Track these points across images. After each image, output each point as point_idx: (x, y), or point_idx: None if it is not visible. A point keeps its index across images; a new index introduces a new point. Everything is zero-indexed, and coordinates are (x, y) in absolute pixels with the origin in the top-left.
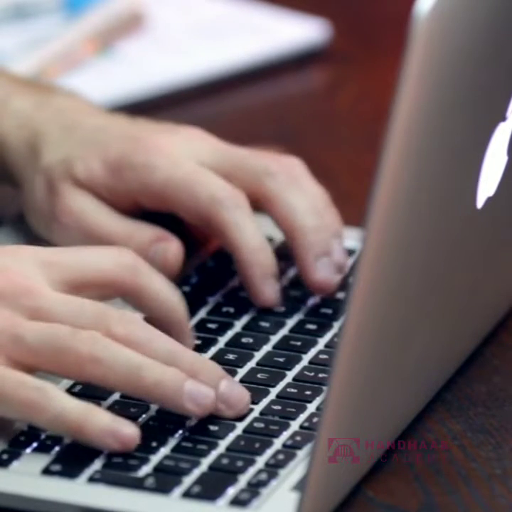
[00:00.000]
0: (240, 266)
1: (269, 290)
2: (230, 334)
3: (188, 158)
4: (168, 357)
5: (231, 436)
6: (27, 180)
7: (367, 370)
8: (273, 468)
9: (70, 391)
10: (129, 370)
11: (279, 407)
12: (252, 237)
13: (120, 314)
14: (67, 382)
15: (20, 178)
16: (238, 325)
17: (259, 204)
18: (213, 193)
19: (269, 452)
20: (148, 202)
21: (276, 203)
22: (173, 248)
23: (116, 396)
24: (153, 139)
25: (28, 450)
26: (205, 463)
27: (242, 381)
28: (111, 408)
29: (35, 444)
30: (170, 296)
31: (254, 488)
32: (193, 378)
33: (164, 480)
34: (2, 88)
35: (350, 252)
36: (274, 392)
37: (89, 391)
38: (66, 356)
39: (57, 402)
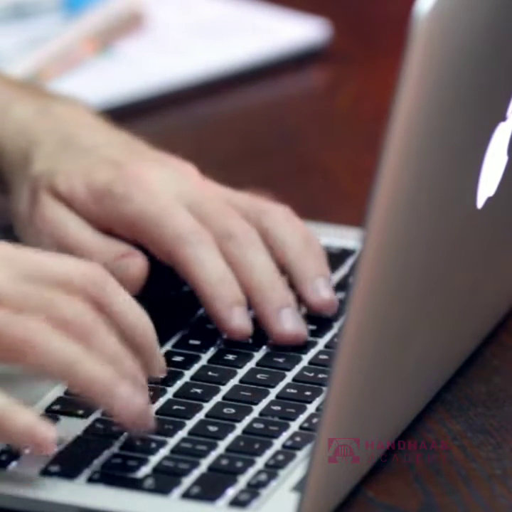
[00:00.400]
0: (202, 301)
1: (236, 318)
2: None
3: (167, 194)
4: (108, 353)
5: (230, 437)
6: (15, 187)
7: (367, 370)
8: (273, 468)
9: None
10: (63, 359)
11: (278, 408)
12: (212, 271)
13: (67, 298)
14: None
15: (10, 184)
16: None
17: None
18: (178, 229)
19: (268, 453)
20: (120, 231)
21: (238, 268)
22: (135, 263)
23: None
24: (137, 169)
25: (27, 450)
26: (205, 464)
27: (241, 381)
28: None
29: None
30: (136, 319)
31: (254, 488)
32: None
33: (163, 481)
34: (3, 94)
35: (349, 252)
36: (273, 392)
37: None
38: (2, 339)
39: None
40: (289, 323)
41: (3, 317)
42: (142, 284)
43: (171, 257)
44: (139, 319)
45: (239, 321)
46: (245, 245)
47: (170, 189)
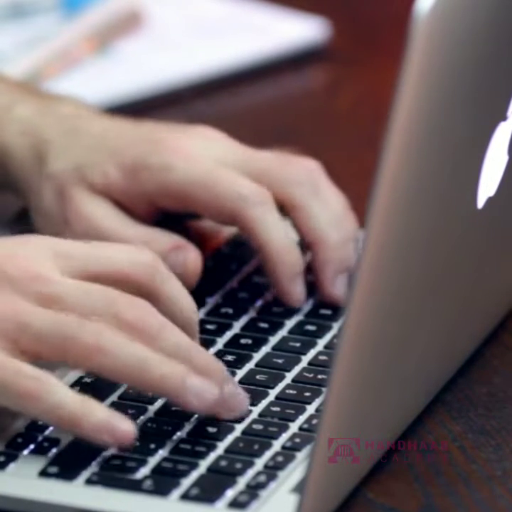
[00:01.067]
0: (267, 264)
1: (296, 290)
2: (228, 335)
3: (208, 158)
4: (176, 350)
5: (230, 438)
6: (33, 188)
7: (366, 371)
8: (272, 470)
9: (72, 387)
10: (134, 362)
11: (278, 409)
12: (280, 236)
13: (130, 300)
14: (71, 377)
15: (25, 186)
16: (237, 326)
17: (282, 211)
18: (238, 190)
19: (268, 454)
20: (166, 203)
21: (302, 213)
22: (192, 257)
23: (114, 397)
24: (170, 140)
25: (25, 452)
26: (204, 465)
27: (240, 382)
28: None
29: (32, 446)
30: (186, 304)
31: (253, 490)
32: (199, 375)
33: (162, 482)
34: (5, 95)
35: None
36: (273, 393)
37: (88, 391)
38: (72, 346)
39: (55, 393)
40: (341, 290)
41: (73, 323)
42: (199, 277)
43: (232, 218)
44: (188, 307)
45: (299, 291)
46: (309, 193)
47: (209, 154)
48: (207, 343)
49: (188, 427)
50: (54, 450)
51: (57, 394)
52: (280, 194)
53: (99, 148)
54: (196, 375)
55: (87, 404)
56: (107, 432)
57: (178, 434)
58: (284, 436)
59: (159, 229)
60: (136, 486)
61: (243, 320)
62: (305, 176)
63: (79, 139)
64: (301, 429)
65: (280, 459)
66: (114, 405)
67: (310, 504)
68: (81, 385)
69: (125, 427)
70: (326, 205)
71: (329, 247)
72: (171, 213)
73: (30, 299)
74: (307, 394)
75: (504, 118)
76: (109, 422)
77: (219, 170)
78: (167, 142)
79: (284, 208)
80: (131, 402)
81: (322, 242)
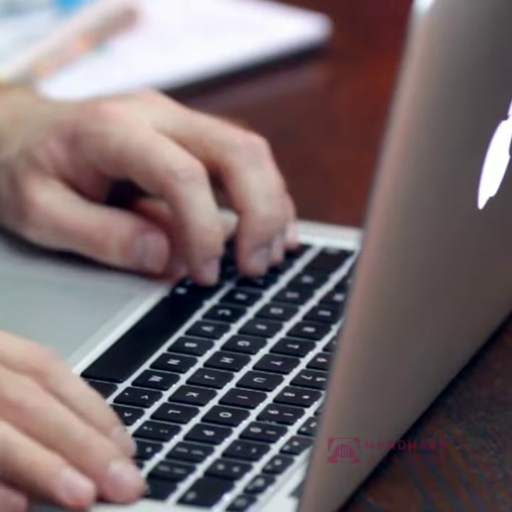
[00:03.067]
0: (183, 243)
1: (208, 272)
2: (226, 337)
3: (146, 124)
4: (57, 430)
5: (227, 442)
6: None
7: (366, 372)
8: (270, 474)
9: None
10: (2, 446)
11: (276, 412)
12: (201, 215)
13: (15, 379)
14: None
15: None
16: (234, 328)
17: (215, 175)
18: (168, 164)
19: (265, 458)
20: (107, 170)
21: (234, 178)
22: (161, 238)
23: (109, 400)
24: (108, 107)
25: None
26: (201, 469)
27: (238, 385)
28: None
29: None
30: (88, 403)
31: (251, 494)
32: (78, 461)
33: (159, 486)
34: None
35: (348, 254)
36: (271, 396)
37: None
38: None
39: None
40: (256, 264)
41: None
42: (166, 260)
43: (161, 192)
44: (92, 402)
45: (210, 275)
46: (245, 161)
47: (149, 120)
48: (204, 346)
49: (184, 430)
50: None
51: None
52: (216, 157)
53: (41, 127)
54: (69, 467)
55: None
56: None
57: (175, 437)
58: (283, 440)
59: (119, 210)
60: None
61: (241, 322)
62: (245, 144)
63: (25, 123)
64: (299, 432)
65: (278, 462)
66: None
67: (309, 508)
68: None
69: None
70: (261, 178)
71: (255, 219)
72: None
73: None
74: (305, 397)
75: (505, 117)
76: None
77: (154, 140)
78: (105, 109)
79: (219, 173)
80: (127, 406)
81: (249, 212)
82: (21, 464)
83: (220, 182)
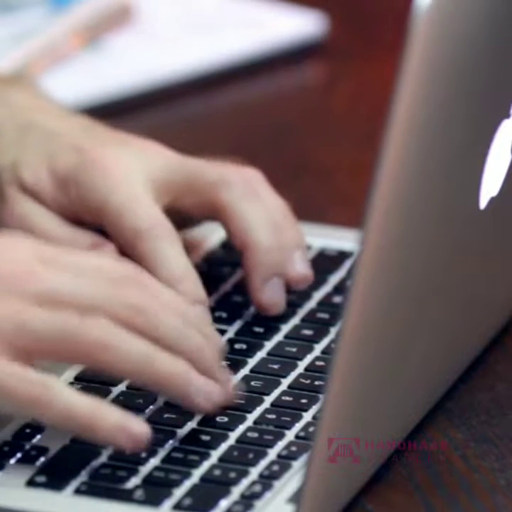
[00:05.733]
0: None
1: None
2: (222, 340)
3: (133, 179)
4: (178, 333)
5: (223, 447)
6: None
7: (365, 374)
8: (267, 479)
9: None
10: (140, 359)
11: (273, 416)
12: (172, 268)
13: (126, 293)
14: (68, 376)
15: None
16: (231, 331)
17: (214, 216)
18: (137, 223)
19: (263, 463)
20: (89, 220)
21: (231, 214)
22: (107, 252)
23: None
24: (101, 154)
25: (12, 461)
26: (197, 474)
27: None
28: None
29: (19, 455)
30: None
31: (248, 500)
32: (197, 360)
33: (154, 492)
34: None
35: (347, 255)
36: (268, 400)
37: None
38: (74, 344)
39: (64, 398)
40: (271, 296)
41: (73, 320)
42: None
43: (132, 251)
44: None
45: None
46: (240, 195)
47: (136, 173)
48: None
49: (180, 434)
50: (42, 459)
51: (67, 399)
52: (212, 199)
53: (38, 149)
54: (200, 375)
55: (98, 407)
56: (122, 435)
57: (171, 442)
58: (280, 445)
59: (81, 229)
60: (126, 496)
61: (237, 324)
62: (238, 178)
63: (26, 135)
64: (297, 437)
65: (276, 468)
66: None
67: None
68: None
69: (140, 429)
70: (261, 208)
71: (259, 251)
72: None
73: (26, 298)
74: (304, 401)
75: (507, 115)
76: (123, 425)
77: (131, 200)
78: (99, 158)
79: (218, 214)
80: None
81: (251, 244)
82: (160, 373)
83: (221, 223)
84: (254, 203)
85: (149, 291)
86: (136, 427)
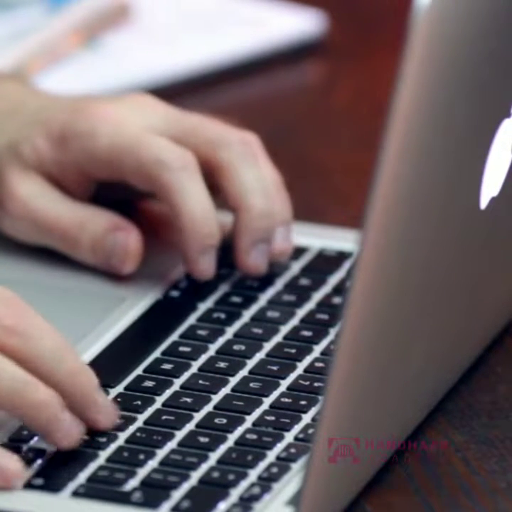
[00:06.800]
0: (179, 232)
1: (204, 263)
2: (221, 341)
3: (135, 123)
4: (52, 356)
5: (222, 448)
6: None
7: (365, 375)
8: (266, 481)
9: None
10: (11, 386)
11: (272, 418)
12: (196, 204)
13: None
14: None
15: None
16: (230, 331)
17: (209, 174)
18: (158, 154)
19: (262, 465)
20: (95, 171)
21: (228, 175)
22: (131, 238)
23: None
24: (98, 107)
25: None
26: (195, 476)
27: (234, 390)
28: None
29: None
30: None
31: (247, 502)
32: (69, 385)
33: (152, 494)
34: None
35: (346, 255)
36: (267, 401)
37: None
38: None
39: None
40: (256, 260)
41: None
42: (140, 258)
43: (153, 184)
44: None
45: (207, 264)
46: (238, 156)
47: (137, 120)
48: (198, 350)
49: (178, 436)
50: (39, 461)
51: None
52: (208, 155)
53: (31, 122)
54: (66, 410)
55: None
56: None
57: (169, 444)
58: (279, 447)
59: (97, 207)
60: (124, 499)
61: (236, 325)
62: (237, 140)
63: (15, 117)
64: (296, 439)
65: (275, 470)
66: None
67: None
68: None
69: (13, 467)
70: (256, 174)
71: (252, 215)
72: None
73: None
74: (303, 402)
75: (508, 115)
76: None
77: (143, 135)
78: (94, 109)
79: (212, 171)
80: (119, 412)
81: (245, 208)
82: (30, 403)
83: (214, 180)
84: (251, 167)
85: (24, 313)
86: (10, 466)
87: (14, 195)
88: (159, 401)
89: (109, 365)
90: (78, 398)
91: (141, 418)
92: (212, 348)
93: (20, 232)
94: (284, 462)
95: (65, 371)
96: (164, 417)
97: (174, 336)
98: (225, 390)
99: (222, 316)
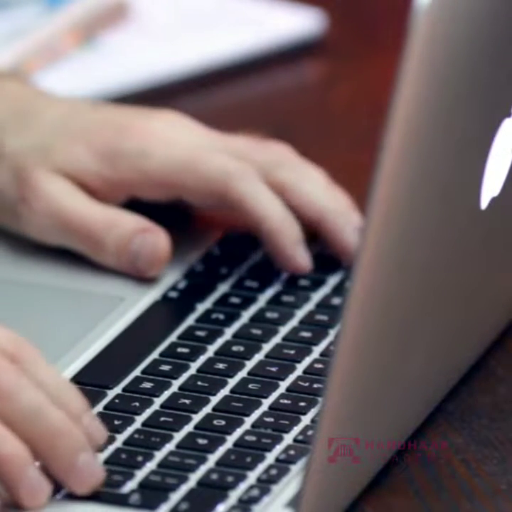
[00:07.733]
0: (267, 236)
1: (302, 257)
2: (219, 342)
3: (184, 142)
4: (30, 413)
5: (221, 450)
6: None
7: (365, 375)
8: (265, 483)
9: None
10: None
11: (271, 420)
12: (274, 206)
13: None
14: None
15: None
16: (228, 333)
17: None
18: (221, 167)
19: (261, 467)
20: (146, 191)
21: (295, 192)
22: (161, 240)
23: (99, 407)
24: (140, 125)
25: None
26: (194, 478)
27: (232, 391)
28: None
29: None
30: (59, 387)
31: (246, 504)
32: (48, 448)
33: (150, 496)
34: None
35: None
36: (266, 403)
37: None
38: None
39: None
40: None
41: None
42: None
43: (220, 197)
44: (63, 388)
45: (303, 258)
46: (292, 173)
47: (183, 138)
48: (196, 351)
49: (177, 438)
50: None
51: None
52: (265, 177)
53: (60, 130)
54: (34, 466)
55: None
56: None
57: (167, 446)
58: (278, 449)
59: (122, 210)
60: (122, 501)
61: (235, 326)
62: (283, 157)
63: (33, 120)
64: (295, 440)
65: (274, 472)
66: (100, 416)
67: None
68: None
69: None
70: (314, 181)
71: (336, 216)
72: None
73: None
74: (302, 404)
75: (508, 114)
76: None
77: (198, 152)
78: (137, 127)
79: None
80: (117, 413)
81: (326, 213)
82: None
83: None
84: (305, 178)
85: (8, 367)
86: None
87: (41, 192)
88: (157, 402)
89: (107, 366)
90: (53, 461)
91: (139, 420)
92: (211, 349)
93: (42, 231)
94: (283, 464)
95: (40, 431)
96: (162, 419)
97: (172, 337)
98: (224, 392)
99: (221, 317)
